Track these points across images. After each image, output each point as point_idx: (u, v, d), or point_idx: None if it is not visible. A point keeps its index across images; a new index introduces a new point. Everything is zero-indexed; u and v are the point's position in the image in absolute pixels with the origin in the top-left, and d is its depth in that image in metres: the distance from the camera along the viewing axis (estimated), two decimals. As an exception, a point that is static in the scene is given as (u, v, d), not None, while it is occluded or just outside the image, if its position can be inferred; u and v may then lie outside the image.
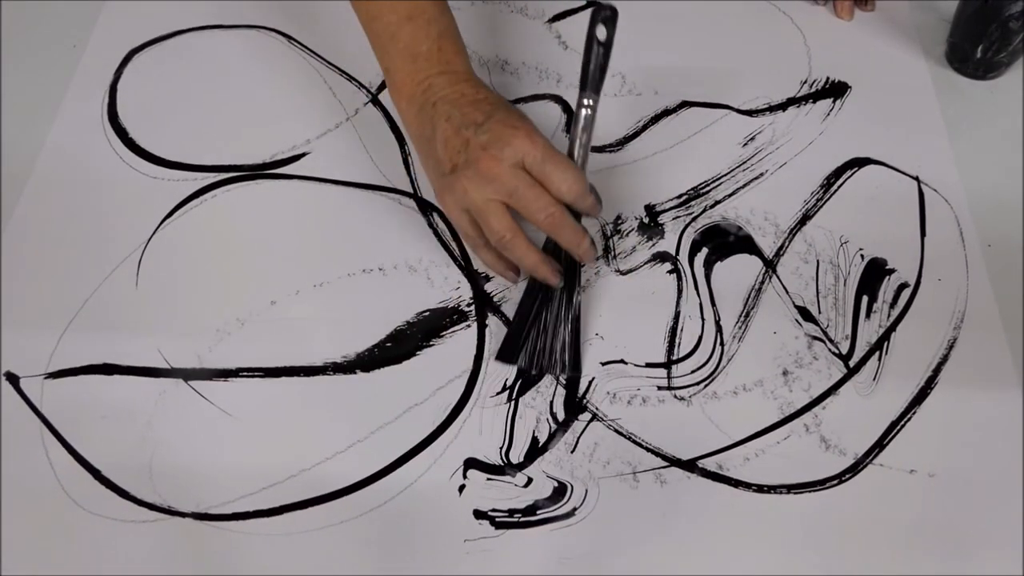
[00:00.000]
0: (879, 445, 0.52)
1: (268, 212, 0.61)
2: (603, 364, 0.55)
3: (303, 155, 0.64)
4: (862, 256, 0.59)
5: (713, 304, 0.57)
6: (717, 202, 0.62)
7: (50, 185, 0.62)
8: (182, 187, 0.62)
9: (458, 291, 0.58)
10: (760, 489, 0.50)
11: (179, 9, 0.73)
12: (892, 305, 0.57)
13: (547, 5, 0.74)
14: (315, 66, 0.70)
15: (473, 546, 0.48)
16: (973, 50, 0.67)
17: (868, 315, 0.57)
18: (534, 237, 0.54)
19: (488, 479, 0.50)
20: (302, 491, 0.50)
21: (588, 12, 0.56)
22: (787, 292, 0.58)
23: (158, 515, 0.49)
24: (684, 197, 0.62)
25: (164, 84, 0.68)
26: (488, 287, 0.58)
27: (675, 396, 0.54)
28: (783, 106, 0.68)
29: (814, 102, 0.68)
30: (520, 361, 0.54)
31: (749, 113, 0.67)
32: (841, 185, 0.63)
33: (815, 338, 0.56)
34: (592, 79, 0.53)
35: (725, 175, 0.64)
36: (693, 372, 0.54)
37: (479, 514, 0.49)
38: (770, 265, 0.59)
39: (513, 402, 0.53)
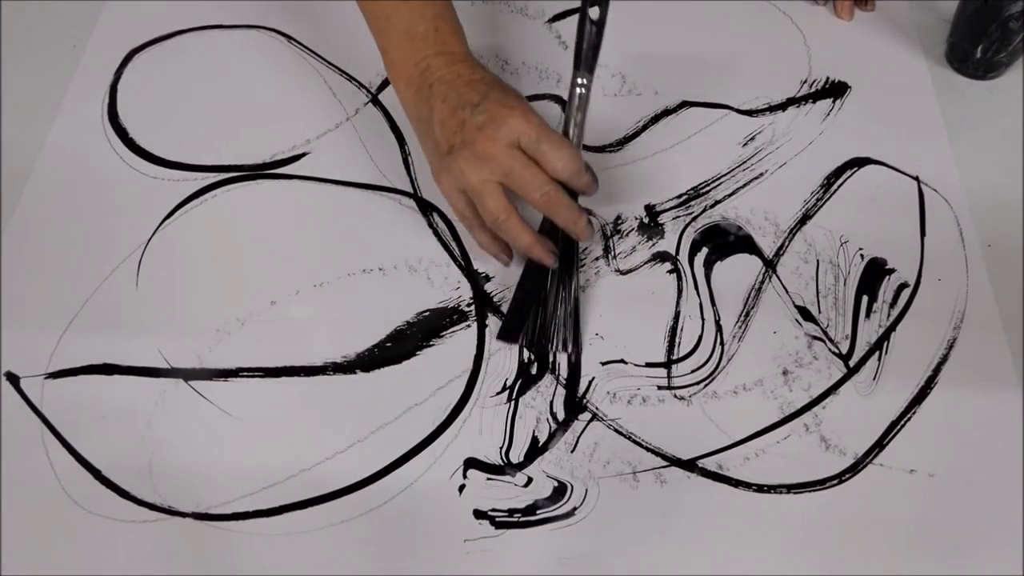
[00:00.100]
0: (879, 445, 0.52)
1: (268, 212, 0.61)
2: (603, 364, 0.55)
3: (303, 155, 0.64)
4: (862, 256, 0.59)
5: (713, 304, 0.57)
6: (717, 202, 0.62)
7: (50, 185, 0.62)
8: (182, 187, 0.62)
9: (458, 291, 0.58)
10: (760, 489, 0.50)
11: (179, 9, 0.73)
12: (892, 305, 0.57)
13: (547, 5, 0.74)
14: (315, 66, 0.70)
15: (473, 546, 0.48)
16: (973, 50, 0.67)
17: (868, 315, 0.57)
18: (532, 220, 0.54)
19: (488, 479, 0.50)
20: (302, 491, 0.50)
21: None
22: (787, 292, 0.58)
23: (158, 515, 0.49)
24: (684, 197, 0.62)
25: (164, 84, 0.68)
26: (488, 287, 0.58)
27: (675, 396, 0.54)
28: (783, 106, 0.68)
29: (814, 102, 0.68)
30: (521, 340, 0.54)
31: (749, 113, 0.67)
32: (841, 185, 0.63)
33: (815, 338, 0.56)
34: (585, 58, 0.54)
35: (725, 175, 0.64)
36: (693, 372, 0.54)
37: (479, 514, 0.49)
38: (770, 265, 0.59)
39: (513, 402, 0.53)
